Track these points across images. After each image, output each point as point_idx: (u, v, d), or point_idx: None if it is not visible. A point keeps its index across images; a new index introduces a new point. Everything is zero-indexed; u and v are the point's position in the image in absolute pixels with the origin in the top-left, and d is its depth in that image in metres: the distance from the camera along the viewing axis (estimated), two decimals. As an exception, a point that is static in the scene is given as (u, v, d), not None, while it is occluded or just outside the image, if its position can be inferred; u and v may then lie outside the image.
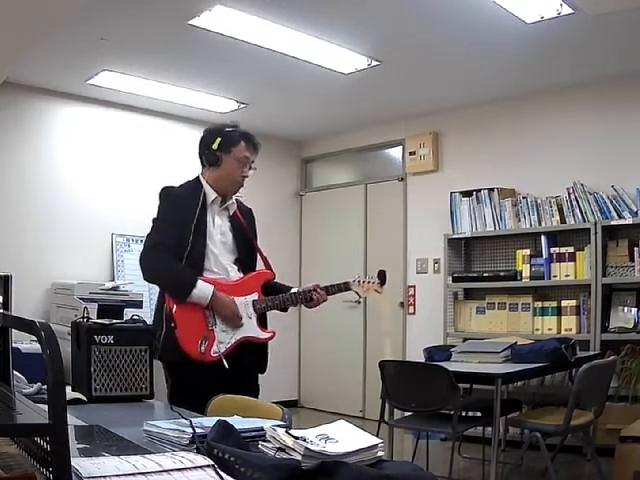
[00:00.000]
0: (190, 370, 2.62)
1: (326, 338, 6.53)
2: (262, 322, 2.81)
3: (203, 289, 2.64)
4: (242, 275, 2.81)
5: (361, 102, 5.63)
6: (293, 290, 2.88)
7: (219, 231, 2.80)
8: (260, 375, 2.88)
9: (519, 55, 4.43)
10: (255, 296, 2.78)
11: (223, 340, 2.67)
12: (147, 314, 5.31)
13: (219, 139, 2.80)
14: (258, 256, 2.94)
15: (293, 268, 6.66)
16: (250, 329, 2.75)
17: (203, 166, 2.87)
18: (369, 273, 6.21)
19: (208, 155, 2.82)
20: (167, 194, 2.80)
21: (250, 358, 2.75)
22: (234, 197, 2.90)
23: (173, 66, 4.78)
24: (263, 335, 2.79)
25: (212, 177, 2.82)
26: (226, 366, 2.61)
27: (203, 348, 2.62)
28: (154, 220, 2.77)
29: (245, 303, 2.75)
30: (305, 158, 7.06)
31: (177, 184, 2.88)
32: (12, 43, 3.34)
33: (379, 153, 6.57)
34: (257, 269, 2.91)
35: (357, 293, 2.97)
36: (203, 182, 2.83)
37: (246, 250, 2.87)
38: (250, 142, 2.84)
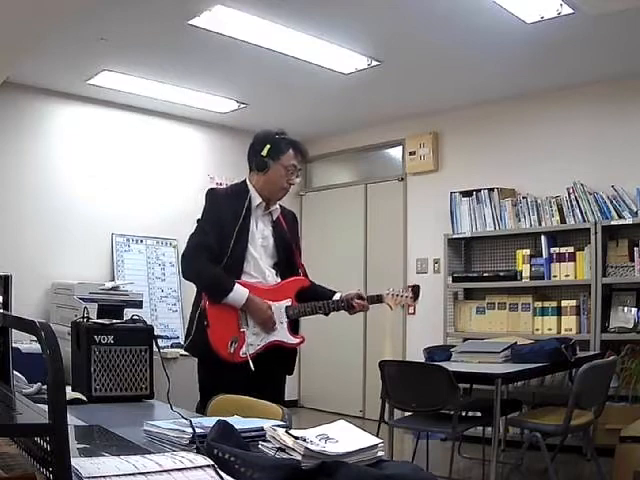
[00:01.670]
0: (218, 369, 2.68)
1: (326, 338, 6.52)
2: (293, 327, 2.86)
3: (239, 292, 2.70)
4: (279, 280, 2.86)
5: (361, 102, 5.63)
6: (335, 297, 2.94)
7: (261, 235, 2.84)
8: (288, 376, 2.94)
9: (519, 55, 4.43)
10: (289, 302, 2.83)
11: (253, 342, 2.72)
12: (147, 314, 5.34)
13: (268, 146, 2.83)
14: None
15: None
16: (281, 334, 2.80)
17: (251, 170, 2.89)
18: (369, 273, 6.26)
19: (257, 161, 2.85)
20: (212, 196, 2.86)
21: (278, 362, 2.81)
22: (277, 203, 2.93)
23: (173, 66, 4.78)
24: (292, 340, 2.85)
25: (259, 182, 2.86)
26: (252, 368, 2.65)
27: (232, 349, 2.68)
28: (198, 221, 2.83)
29: (279, 308, 2.80)
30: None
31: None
32: (12, 43, 3.34)
33: (379, 153, 6.57)
34: (293, 276, 2.93)
35: (389, 305, 3.01)
36: (250, 186, 2.87)
37: (285, 255, 2.91)
38: (298, 150, 2.88)
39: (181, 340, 4.75)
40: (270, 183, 2.84)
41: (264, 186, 2.85)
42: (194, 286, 2.89)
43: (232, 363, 2.68)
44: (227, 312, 2.72)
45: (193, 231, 2.82)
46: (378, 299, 3.00)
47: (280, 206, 2.96)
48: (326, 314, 2.94)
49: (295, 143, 2.88)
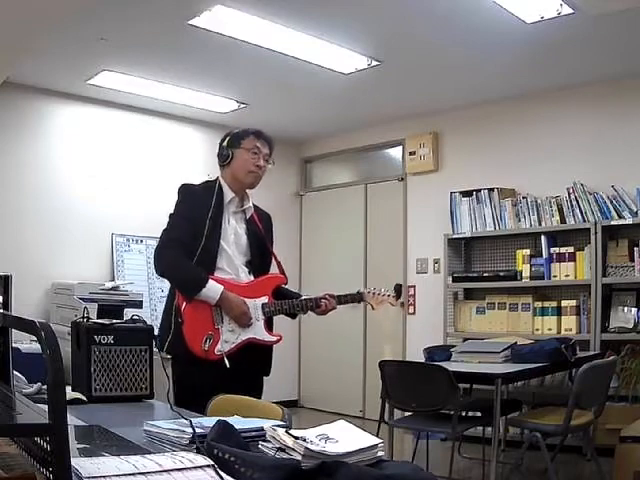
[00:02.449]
0: (193, 366, 2.65)
1: (326, 338, 6.53)
2: (269, 325, 2.82)
3: (213, 289, 2.66)
4: (252, 278, 2.83)
5: (361, 102, 5.63)
6: (303, 297, 2.90)
7: (233, 231, 2.82)
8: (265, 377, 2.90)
9: (519, 55, 4.43)
10: (265, 299, 2.80)
11: (228, 340, 2.68)
12: (147, 314, 5.34)
13: (228, 137, 2.88)
14: (273, 261, 2.96)
15: (293, 268, 6.65)
16: (257, 331, 2.76)
17: (220, 167, 2.90)
18: (369, 273, 6.27)
19: (220, 154, 2.87)
20: (185, 190, 2.83)
21: (254, 360, 2.76)
22: (252, 201, 2.92)
23: (173, 66, 4.78)
24: (269, 338, 2.80)
25: (228, 175, 2.86)
26: (227, 365, 2.62)
27: (207, 346, 2.64)
28: (170, 215, 2.81)
29: (254, 306, 2.76)
30: (305, 158, 7.06)
31: (187, 182, 2.90)
32: (12, 43, 3.34)
33: (379, 153, 6.57)
34: (270, 273, 2.92)
35: (370, 305, 2.99)
36: (221, 181, 2.86)
37: (259, 254, 2.88)
38: (260, 135, 2.87)
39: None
40: (236, 170, 2.82)
41: (233, 177, 2.83)
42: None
43: (207, 360, 2.64)
44: (201, 309, 2.68)
45: (165, 226, 2.79)
46: (359, 297, 2.96)
47: (255, 206, 2.94)
48: (294, 316, 2.92)
49: (256, 130, 2.89)
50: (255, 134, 2.86)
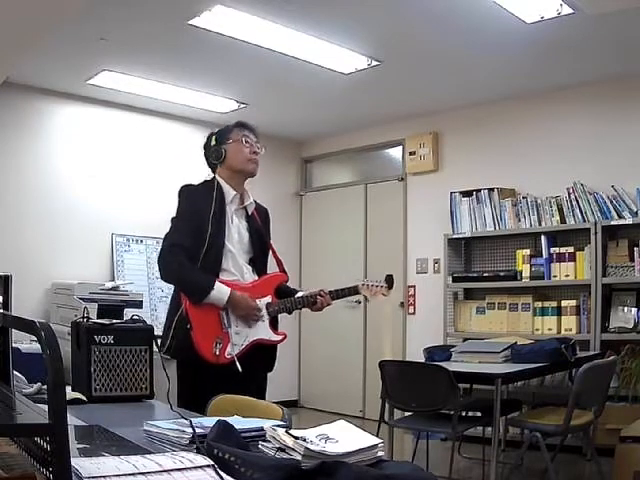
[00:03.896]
0: (202, 370, 2.65)
1: (326, 338, 6.53)
2: (273, 324, 2.83)
3: (220, 290, 2.67)
4: (255, 276, 2.83)
5: (361, 102, 5.63)
6: (299, 294, 2.90)
7: (237, 230, 2.82)
8: (268, 373, 2.91)
9: (519, 55, 4.43)
10: (269, 299, 2.81)
11: (237, 342, 2.69)
12: (147, 314, 5.34)
13: (214, 136, 2.89)
14: (270, 257, 2.96)
15: (293, 268, 6.65)
16: (263, 331, 2.77)
17: (214, 169, 2.89)
18: (369, 273, 6.26)
19: (210, 155, 2.87)
20: (186, 192, 2.82)
21: (260, 359, 2.77)
22: (252, 197, 2.92)
23: (173, 66, 4.78)
24: (275, 337, 2.82)
25: (224, 172, 2.85)
26: (239, 369, 2.62)
27: (217, 350, 2.65)
28: (173, 219, 2.80)
29: (259, 306, 2.77)
30: (305, 158, 7.06)
31: (181, 184, 2.89)
32: (12, 43, 3.34)
33: (379, 153, 6.57)
34: (269, 271, 2.92)
35: (365, 297, 3.04)
36: (219, 179, 2.85)
37: (260, 251, 2.89)
38: (243, 125, 2.89)
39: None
40: (234, 163, 2.82)
41: (231, 172, 2.83)
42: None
43: (217, 365, 2.64)
44: (209, 313, 2.68)
45: (168, 230, 2.78)
46: (354, 290, 2.97)
47: (255, 202, 2.93)
48: (290, 312, 2.91)
49: (238, 122, 2.91)
50: (238, 126, 2.89)
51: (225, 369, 2.63)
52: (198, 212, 2.73)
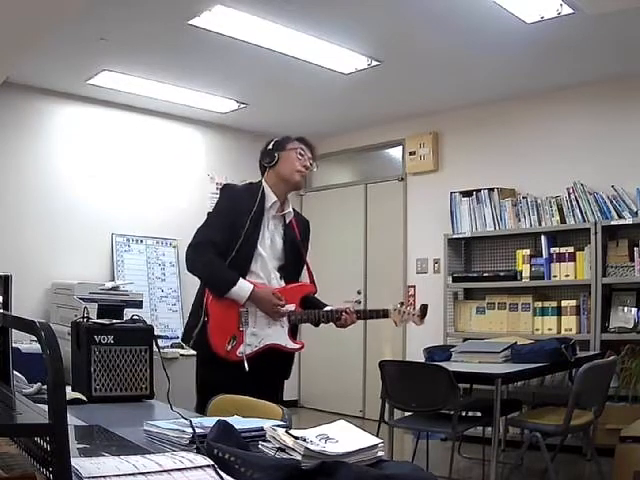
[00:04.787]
0: (214, 365, 2.68)
1: (326, 338, 6.52)
2: (293, 332, 2.85)
3: (243, 287, 2.69)
4: (283, 283, 2.84)
5: (361, 102, 5.63)
6: (327, 308, 2.91)
7: (271, 235, 2.83)
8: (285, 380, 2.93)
9: (519, 55, 4.43)
10: (292, 307, 2.82)
11: (251, 343, 2.71)
12: (147, 314, 5.34)
13: (273, 141, 2.92)
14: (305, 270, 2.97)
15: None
16: (280, 337, 2.79)
17: (263, 171, 2.92)
18: (369, 273, 6.26)
19: (265, 157, 2.90)
20: (227, 191, 2.87)
21: (275, 365, 2.78)
22: (291, 206, 2.94)
23: (173, 66, 4.78)
24: (292, 345, 2.83)
25: (272, 178, 2.87)
26: (246, 368, 2.64)
27: (230, 347, 2.67)
28: (209, 214, 2.85)
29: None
30: (305, 158, 7.05)
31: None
32: (12, 43, 3.33)
33: (379, 153, 6.57)
34: (300, 282, 2.94)
35: (395, 322, 2.99)
36: (264, 184, 2.87)
37: (293, 260, 2.89)
38: (303, 140, 2.93)
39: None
40: (283, 170, 2.85)
41: (278, 178, 2.86)
42: (195, 285, 2.88)
43: (228, 360, 2.67)
44: (229, 309, 2.70)
45: (202, 224, 2.82)
46: (383, 314, 2.96)
47: (295, 211, 2.97)
48: (317, 324, 2.93)
49: (299, 137, 2.95)
50: (299, 139, 2.93)
51: (236, 368, 2.65)
52: (235, 211, 2.76)
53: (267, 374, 2.73)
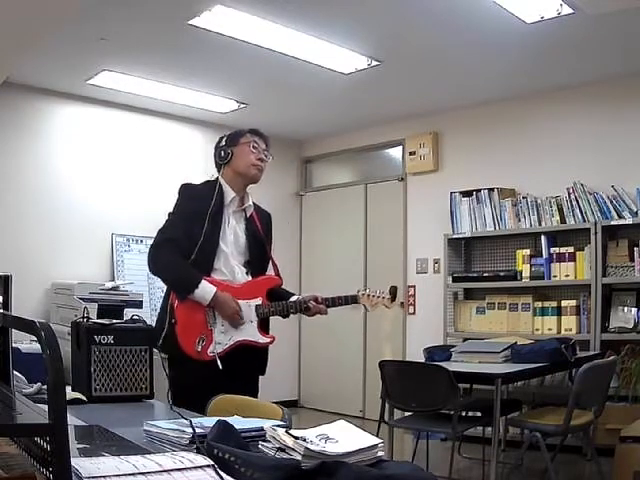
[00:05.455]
0: (188, 367, 2.65)
1: (326, 338, 6.53)
2: (263, 326, 2.82)
3: (205, 289, 2.67)
4: (250, 278, 2.83)
5: (361, 102, 5.63)
6: (292, 298, 2.89)
7: (233, 231, 2.82)
8: (260, 376, 2.89)
9: (519, 55, 4.43)
10: (259, 301, 2.79)
11: (221, 341, 2.69)
12: (147, 314, 5.33)
13: (225, 137, 2.92)
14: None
15: (293, 268, 6.65)
16: (250, 333, 2.76)
17: (219, 168, 2.90)
18: (369, 273, 6.26)
19: (219, 154, 2.89)
20: (185, 190, 2.85)
21: (248, 360, 2.76)
22: (252, 200, 2.93)
23: (173, 66, 4.78)
24: (262, 340, 2.80)
25: (228, 174, 2.87)
26: (220, 367, 2.62)
27: (200, 347, 2.65)
28: (169, 214, 2.82)
29: (248, 307, 2.76)
30: (305, 158, 7.06)
31: (187, 182, 2.90)
32: (12, 43, 3.33)
33: (379, 153, 6.57)
34: (265, 275, 2.92)
35: (365, 306, 2.94)
36: (221, 180, 2.86)
37: (258, 254, 2.88)
38: (256, 133, 2.91)
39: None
40: (239, 165, 2.84)
41: (234, 174, 2.85)
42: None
43: (201, 361, 2.64)
44: (195, 310, 2.68)
45: (163, 224, 2.80)
46: (352, 300, 2.90)
47: (255, 205, 2.94)
48: (286, 316, 2.89)
49: (252, 129, 2.93)
50: (251, 132, 2.91)
51: (211, 367, 2.62)
52: (195, 210, 2.74)
53: (242, 371, 2.70)
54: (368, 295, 2.92)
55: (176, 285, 2.72)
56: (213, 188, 2.81)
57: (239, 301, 2.73)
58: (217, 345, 2.67)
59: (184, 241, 2.69)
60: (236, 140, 2.88)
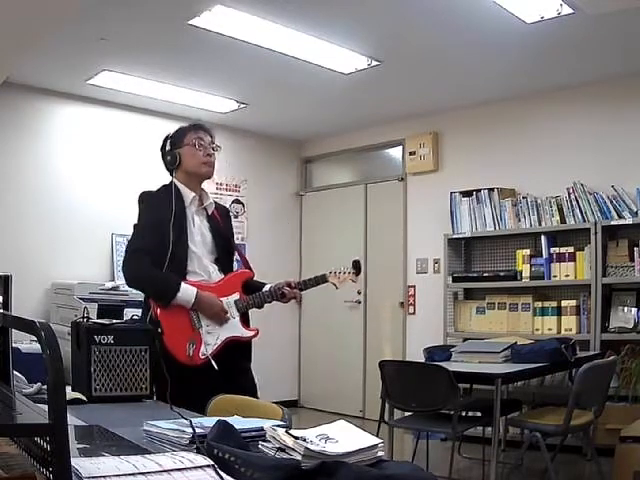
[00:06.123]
0: (183, 372, 2.62)
1: (326, 338, 6.53)
2: (245, 321, 2.84)
3: (187, 292, 2.67)
4: (222, 275, 2.84)
5: (361, 102, 5.63)
6: (266, 288, 2.90)
7: (199, 232, 2.82)
8: (256, 374, 2.90)
9: (519, 55, 4.44)
10: (237, 296, 2.81)
11: (210, 342, 2.69)
12: (147, 314, 5.33)
13: (168, 140, 2.91)
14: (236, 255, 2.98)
15: (293, 268, 6.65)
16: (235, 328, 2.77)
17: (171, 173, 2.89)
18: (370, 273, 6.26)
19: (166, 159, 2.88)
20: (146, 198, 2.82)
21: (237, 356, 2.77)
22: (211, 197, 2.93)
23: (173, 66, 4.78)
24: (247, 333, 2.82)
25: (181, 176, 2.86)
26: (215, 368, 2.62)
27: (191, 352, 2.65)
28: (135, 226, 2.79)
29: (227, 304, 2.77)
30: (305, 158, 7.06)
31: (146, 190, 2.88)
32: (12, 43, 3.34)
33: (379, 153, 6.57)
34: (235, 269, 2.94)
35: (334, 284, 2.98)
36: (177, 183, 2.85)
37: (224, 250, 2.89)
38: (198, 127, 2.91)
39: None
40: (189, 167, 2.83)
41: (187, 175, 2.84)
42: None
43: (194, 366, 2.63)
44: (179, 315, 2.67)
45: (130, 237, 2.78)
46: (322, 279, 2.95)
47: (214, 202, 2.94)
48: (260, 306, 2.90)
49: (193, 124, 2.93)
50: (192, 128, 2.90)
51: (205, 370, 2.62)
52: (159, 217, 2.73)
53: (234, 365, 2.71)
54: (335, 273, 2.97)
55: (157, 294, 2.70)
56: (171, 192, 2.79)
57: (220, 298, 2.75)
58: (207, 346, 2.68)
59: (153, 249, 2.67)
60: (180, 141, 2.86)
